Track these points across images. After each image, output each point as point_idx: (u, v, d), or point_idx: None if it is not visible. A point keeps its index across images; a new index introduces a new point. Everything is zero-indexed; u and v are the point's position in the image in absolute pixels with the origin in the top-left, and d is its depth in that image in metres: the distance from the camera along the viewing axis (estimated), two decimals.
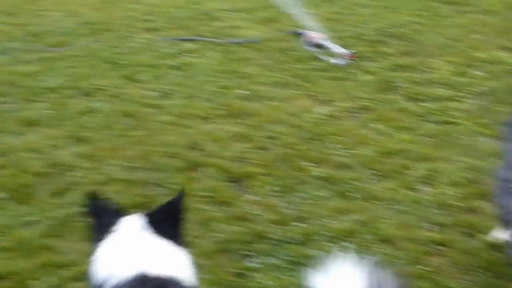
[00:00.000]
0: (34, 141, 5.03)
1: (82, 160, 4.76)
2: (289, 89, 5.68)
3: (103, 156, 4.79)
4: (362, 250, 3.54)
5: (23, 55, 6.81)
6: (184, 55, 6.57)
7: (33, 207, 4.21)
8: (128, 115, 5.42)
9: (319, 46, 6.31)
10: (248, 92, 5.66)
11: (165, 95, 5.75)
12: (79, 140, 5.07)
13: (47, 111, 5.52)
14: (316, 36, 6.38)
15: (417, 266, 3.49)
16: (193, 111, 5.41)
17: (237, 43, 6.72)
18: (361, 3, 7.51)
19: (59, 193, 4.38)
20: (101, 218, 2.48)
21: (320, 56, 6.20)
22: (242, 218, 3.99)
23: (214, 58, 6.45)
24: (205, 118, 5.31)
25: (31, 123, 5.34)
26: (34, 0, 8.71)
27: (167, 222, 2.44)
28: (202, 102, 5.57)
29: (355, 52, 6.11)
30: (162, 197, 4.11)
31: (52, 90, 5.96)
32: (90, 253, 2.37)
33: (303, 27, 6.67)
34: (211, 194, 4.22)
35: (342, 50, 6.14)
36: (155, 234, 2.39)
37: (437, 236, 3.75)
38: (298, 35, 6.69)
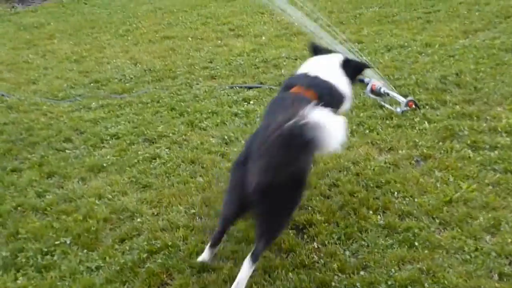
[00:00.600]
0: (99, 187, 5.13)
1: (146, 206, 4.82)
2: (352, 137, 5.67)
3: (166, 203, 4.85)
4: None
5: (88, 101, 6.99)
6: (246, 103, 6.64)
7: (97, 252, 4.28)
8: (191, 161, 5.48)
9: (381, 94, 6.31)
10: None
11: (227, 142, 5.81)
12: (143, 186, 5.15)
13: (111, 157, 5.63)
14: (379, 83, 6.38)
15: None
16: None
17: None
18: (424, 52, 7.48)
19: (123, 239, 4.44)
20: None
21: (382, 104, 6.19)
22: (306, 266, 3.98)
23: None
24: None
25: (95, 169, 5.46)
26: (99, 48, 8.95)
27: None
28: None
29: (417, 100, 6.08)
30: (224, 245, 4.16)
31: (116, 136, 6.09)
32: None
33: (366, 75, 6.69)
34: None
35: (404, 98, 6.13)
36: None
37: (503, 286, 3.68)
38: (360, 82, 6.70)
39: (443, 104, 6.10)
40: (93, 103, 6.93)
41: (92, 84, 7.57)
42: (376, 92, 6.38)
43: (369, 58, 7.32)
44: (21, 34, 10.24)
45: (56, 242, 4.45)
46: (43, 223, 4.69)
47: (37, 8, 11.93)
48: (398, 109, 6.02)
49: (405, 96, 6.20)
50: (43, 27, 10.51)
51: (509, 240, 4.07)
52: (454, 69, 6.83)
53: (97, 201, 4.91)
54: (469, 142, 5.34)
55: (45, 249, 4.39)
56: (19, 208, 4.95)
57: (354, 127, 5.86)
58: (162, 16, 10.47)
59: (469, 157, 5.12)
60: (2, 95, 7.43)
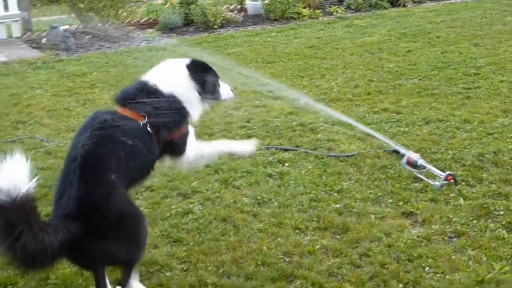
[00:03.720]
0: None
1: (175, 261, 4.84)
2: (384, 207, 5.65)
3: (196, 259, 4.85)
4: None
5: None
6: (281, 164, 6.66)
7: None
8: (223, 219, 5.49)
9: (417, 166, 6.30)
10: (341, 206, 5.68)
11: (260, 202, 5.82)
12: (174, 240, 5.17)
13: (144, 209, 5.65)
14: (415, 156, 6.38)
15: None
16: (286, 221, 5.44)
17: (334, 157, 6.77)
18: (463, 127, 7.47)
19: None
20: None
21: (418, 176, 6.17)
22: None
23: (309, 169, 6.50)
24: (297, 229, 5.33)
25: None
26: None
27: None
28: (295, 213, 5.60)
29: (453, 175, 6.05)
30: None
31: (150, 188, 6.14)
32: None
33: (402, 146, 6.70)
34: None
35: (440, 172, 6.11)
36: None
37: None
38: (396, 153, 6.71)
39: (479, 182, 6.06)
40: None
41: None
42: (412, 164, 6.37)
43: (406, 129, 7.32)
44: (63, 81, 10.42)
45: None
46: (73, 270, 4.71)
47: (81, 57, 12.14)
48: (437, 183, 5.99)
49: (442, 170, 6.18)
50: (85, 76, 10.69)
51: None
52: (492, 147, 6.80)
53: None
54: (504, 222, 5.28)
55: None
56: None
57: (385, 196, 5.85)
58: None
59: (504, 237, 5.05)
60: (42, 140, 7.55)
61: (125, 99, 4.45)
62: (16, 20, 14.11)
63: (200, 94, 4.70)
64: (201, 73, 4.73)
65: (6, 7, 13.97)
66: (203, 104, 4.78)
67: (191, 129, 4.76)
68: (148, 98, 4.39)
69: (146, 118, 4.28)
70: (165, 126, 4.41)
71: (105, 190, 3.99)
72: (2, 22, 13.97)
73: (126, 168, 4.13)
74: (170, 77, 4.63)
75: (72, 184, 3.92)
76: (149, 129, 4.28)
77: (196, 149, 4.76)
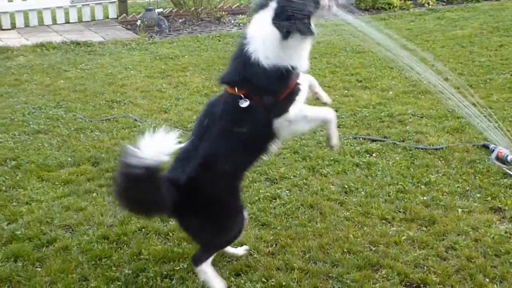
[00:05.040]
0: None
1: (263, 244, 4.96)
2: (472, 201, 5.63)
3: (283, 243, 4.97)
4: None
5: None
6: (368, 154, 6.70)
7: None
8: (310, 206, 5.59)
9: (508, 162, 6.24)
10: (429, 199, 5.69)
11: (347, 191, 5.88)
12: (261, 224, 5.30)
13: None
14: (505, 151, 6.32)
15: None
16: (373, 211, 5.49)
17: (422, 149, 6.77)
18: None
19: (238, 273, 4.60)
20: None
21: (507, 172, 6.12)
22: None
23: (397, 160, 6.52)
24: (383, 219, 5.37)
25: None
26: None
27: None
28: (382, 203, 5.64)
29: None
30: None
31: None
32: None
33: (492, 141, 6.64)
34: None
35: None
36: None
37: None
38: (486, 148, 6.65)
39: None
40: None
41: None
42: (502, 160, 6.32)
43: (497, 124, 7.24)
44: (156, 63, 10.67)
45: (176, 268, 4.64)
46: (164, 247, 4.92)
47: (173, 40, 12.39)
48: None
49: None
50: (177, 59, 10.92)
51: None
52: None
53: None
54: None
55: (165, 272, 4.60)
56: (143, 229, 5.19)
57: (473, 190, 5.83)
58: None
59: None
60: (135, 120, 7.79)
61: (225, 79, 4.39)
62: (113, 2, 14.48)
63: (298, 34, 4.14)
64: (286, 15, 4.10)
65: None
66: (307, 39, 4.23)
67: (301, 87, 4.37)
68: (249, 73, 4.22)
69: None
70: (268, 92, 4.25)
71: (215, 180, 4.28)
72: (99, 3, 14.36)
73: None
74: (262, 43, 4.18)
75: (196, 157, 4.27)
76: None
77: (299, 109, 4.33)
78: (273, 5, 4.17)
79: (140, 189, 3.94)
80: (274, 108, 4.25)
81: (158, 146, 3.83)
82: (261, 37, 4.17)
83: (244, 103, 4.19)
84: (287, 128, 4.35)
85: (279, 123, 4.28)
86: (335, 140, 4.63)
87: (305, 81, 4.45)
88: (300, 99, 4.33)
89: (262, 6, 4.24)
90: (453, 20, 14.24)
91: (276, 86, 4.22)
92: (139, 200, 4.07)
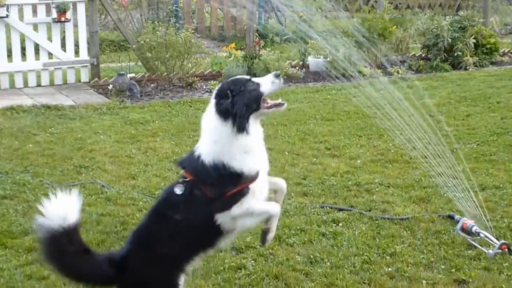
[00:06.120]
0: None
1: None
2: (437, 273, 5.66)
3: None
4: None
5: None
6: (335, 224, 6.72)
7: None
8: (275, 277, 5.59)
9: (473, 233, 6.29)
10: (393, 270, 5.70)
11: (312, 261, 5.89)
12: None
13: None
14: (470, 222, 6.38)
15: None
16: (337, 282, 5.50)
17: (388, 219, 6.81)
18: None
19: None
20: None
21: (472, 243, 6.17)
22: None
23: (363, 230, 6.55)
24: None
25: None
26: None
27: None
28: (347, 274, 5.65)
29: (507, 244, 6.03)
30: None
31: None
32: None
33: (458, 212, 6.70)
34: None
35: (495, 240, 6.09)
36: None
37: None
38: (451, 219, 6.71)
39: None
40: None
41: None
42: (467, 231, 6.37)
43: (462, 195, 7.32)
44: (126, 128, 10.67)
45: None
46: None
47: (144, 105, 12.42)
48: (490, 251, 5.97)
49: (496, 238, 6.16)
50: (148, 124, 10.93)
51: None
52: None
53: None
54: None
55: None
56: None
57: (437, 261, 5.86)
58: (262, 127, 10.69)
59: None
60: (103, 186, 7.77)
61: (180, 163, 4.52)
62: (85, 66, 14.54)
63: (238, 126, 4.20)
64: (226, 107, 4.20)
65: (76, 52, 14.42)
66: (239, 135, 4.22)
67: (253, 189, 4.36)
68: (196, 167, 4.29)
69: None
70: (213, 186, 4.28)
71: (149, 261, 4.32)
72: (72, 67, 14.41)
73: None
74: (207, 140, 4.32)
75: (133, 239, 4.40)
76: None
77: (245, 208, 4.34)
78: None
79: (54, 251, 4.15)
80: (217, 202, 4.23)
81: (62, 208, 4.07)
82: (205, 129, 4.31)
83: (178, 190, 4.22)
84: (230, 223, 4.33)
85: (221, 218, 4.28)
86: (272, 235, 4.61)
87: (267, 184, 4.50)
88: (246, 201, 4.30)
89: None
90: (422, 89, 14.47)
91: (218, 182, 4.22)
92: (61, 264, 4.25)
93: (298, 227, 6.59)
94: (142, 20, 17.45)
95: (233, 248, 6.14)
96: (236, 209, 4.27)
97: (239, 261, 5.86)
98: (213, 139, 4.25)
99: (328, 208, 7.15)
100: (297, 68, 15.58)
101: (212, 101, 4.30)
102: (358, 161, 8.93)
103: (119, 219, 6.76)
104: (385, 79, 15.56)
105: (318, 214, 6.97)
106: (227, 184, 4.22)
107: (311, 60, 16.12)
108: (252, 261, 5.88)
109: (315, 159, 9.01)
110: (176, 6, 18.70)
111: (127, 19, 17.09)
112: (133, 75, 14.21)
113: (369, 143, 9.83)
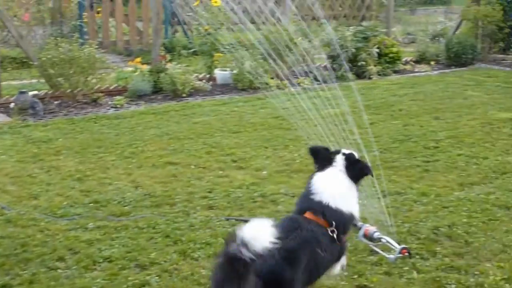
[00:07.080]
0: None
1: None
2: (339, 280, 5.74)
3: None
4: None
5: (85, 221, 7.11)
6: None
7: None
8: None
9: (375, 239, 6.39)
10: None
11: None
12: None
13: (101, 281, 5.69)
14: (372, 229, 6.47)
15: None
16: None
17: None
18: (420, 200, 7.67)
19: None
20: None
21: (373, 249, 6.27)
22: None
23: None
24: None
25: None
26: (103, 168, 9.12)
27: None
28: None
29: (407, 249, 6.16)
30: None
31: (109, 259, 6.16)
32: None
33: (360, 219, 6.80)
34: None
35: (396, 245, 6.20)
36: None
37: None
38: (353, 226, 6.79)
39: (433, 255, 6.20)
40: (90, 224, 7.04)
41: (91, 204, 7.68)
42: (369, 237, 6.47)
43: (365, 201, 7.44)
44: (29, 147, 10.40)
45: None
46: None
47: (48, 123, 12.14)
48: (391, 256, 6.08)
49: (397, 243, 6.28)
50: (51, 142, 10.68)
51: None
52: (447, 220, 6.97)
53: None
54: None
55: None
56: None
57: (343, 272, 5.94)
58: (167, 141, 10.63)
59: None
60: (3, 207, 7.55)
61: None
62: None
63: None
64: (356, 173, 5.48)
65: None
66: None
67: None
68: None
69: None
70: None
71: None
72: None
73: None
74: (339, 196, 5.28)
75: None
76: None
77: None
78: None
79: None
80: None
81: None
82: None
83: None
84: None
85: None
86: None
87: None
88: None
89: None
90: (326, 98, 14.67)
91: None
92: None
93: (204, 241, 6.57)
94: (46, 36, 17.09)
95: (137, 265, 6.07)
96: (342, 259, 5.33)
97: (143, 278, 5.79)
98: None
99: (233, 220, 7.15)
100: (204, 81, 15.57)
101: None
102: (264, 172, 8.98)
103: (20, 241, 6.58)
104: (291, 90, 15.76)
105: (223, 227, 6.96)
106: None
107: (218, 72, 16.17)
108: (156, 277, 5.82)
109: (221, 172, 9.01)
110: (80, 22, 18.45)
111: (29, 35, 16.72)
112: (35, 92, 13.92)
113: (274, 154, 9.90)
